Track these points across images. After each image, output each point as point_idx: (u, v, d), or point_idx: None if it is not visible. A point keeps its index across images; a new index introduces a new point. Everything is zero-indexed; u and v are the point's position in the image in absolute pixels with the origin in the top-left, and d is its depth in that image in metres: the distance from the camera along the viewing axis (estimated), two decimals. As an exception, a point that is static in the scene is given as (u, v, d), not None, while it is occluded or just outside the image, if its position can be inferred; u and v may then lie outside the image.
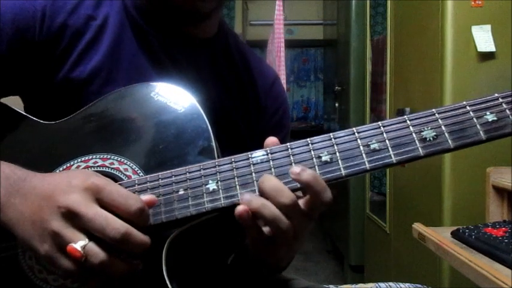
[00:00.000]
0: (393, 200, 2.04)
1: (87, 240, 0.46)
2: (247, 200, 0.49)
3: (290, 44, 4.54)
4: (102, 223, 0.46)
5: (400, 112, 1.85)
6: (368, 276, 2.47)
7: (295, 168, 0.49)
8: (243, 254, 0.72)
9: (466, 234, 0.91)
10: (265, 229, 0.53)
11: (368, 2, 2.54)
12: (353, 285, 0.84)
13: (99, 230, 0.46)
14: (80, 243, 0.46)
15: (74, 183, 0.48)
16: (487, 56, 1.48)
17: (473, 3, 1.48)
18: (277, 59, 2.83)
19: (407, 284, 0.80)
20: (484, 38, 1.46)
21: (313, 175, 0.49)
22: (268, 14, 3.20)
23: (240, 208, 0.49)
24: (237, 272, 0.73)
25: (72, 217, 0.47)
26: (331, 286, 0.81)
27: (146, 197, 0.51)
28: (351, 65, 2.70)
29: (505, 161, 1.28)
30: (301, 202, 0.51)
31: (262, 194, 0.50)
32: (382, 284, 0.82)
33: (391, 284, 0.82)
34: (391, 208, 2.06)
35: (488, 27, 1.46)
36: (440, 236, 0.95)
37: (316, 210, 0.51)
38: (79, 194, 0.47)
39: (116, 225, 0.46)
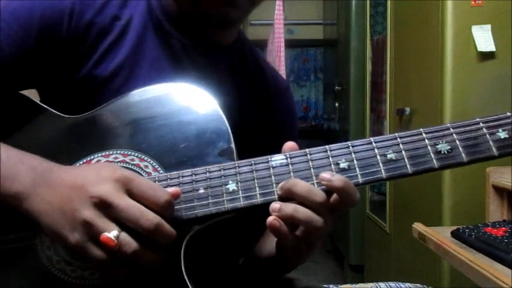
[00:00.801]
0: (393, 200, 2.04)
1: (119, 230, 0.47)
2: (278, 209, 0.50)
3: (290, 44, 4.53)
4: (136, 214, 0.47)
5: (400, 112, 1.85)
6: (368, 276, 2.47)
7: (326, 175, 0.51)
8: (252, 256, 0.73)
9: (466, 234, 0.91)
10: (298, 232, 0.54)
11: (368, 1, 2.54)
12: (353, 285, 0.84)
13: (133, 221, 0.47)
14: (113, 233, 0.47)
15: (103, 174, 0.49)
16: (487, 56, 1.48)
17: (473, 2, 1.48)
18: (277, 59, 2.83)
19: (407, 284, 0.80)
20: (484, 38, 1.46)
21: (344, 180, 0.51)
22: (268, 14, 3.20)
23: (270, 219, 0.50)
24: (246, 273, 0.74)
25: (104, 207, 0.47)
26: (331, 286, 0.81)
27: (171, 189, 0.52)
28: (351, 65, 2.70)
29: (504, 161, 1.27)
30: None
31: (293, 196, 0.51)
32: (382, 284, 0.82)
33: (391, 283, 0.82)
34: (391, 208, 2.06)
35: (488, 26, 1.46)
36: (440, 235, 0.95)
37: (345, 208, 0.53)
38: (110, 184, 0.48)
39: (150, 216, 0.48)
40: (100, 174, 0.49)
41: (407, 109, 1.80)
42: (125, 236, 0.47)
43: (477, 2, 1.47)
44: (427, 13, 1.62)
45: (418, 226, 1.04)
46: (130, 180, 0.49)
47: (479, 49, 1.47)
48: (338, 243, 3.09)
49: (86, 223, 0.47)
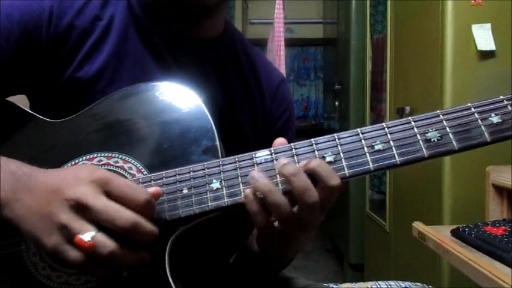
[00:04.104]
0: (393, 199, 2.04)
1: (96, 231, 0.47)
2: (255, 179, 0.50)
3: (290, 43, 4.54)
4: (112, 213, 0.47)
5: (400, 111, 1.85)
6: (368, 274, 2.47)
7: (303, 162, 0.51)
8: (245, 253, 0.72)
9: (466, 232, 0.91)
10: (274, 221, 0.54)
11: (368, 0, 2.54)
12: (353, 284, 0.84)
13: (109, 221, 0.47)
14: (88, 234, 0.46)
15: (80, 176, 0.49)
16: (487, 55, 1.48)
17: (473, 1, 1.47)
18: (277, 58, 2.83)
19: (407, 283, 0.81)
20: (484, 37, 1.46)
21: (317, 161, 0.50)
22: (268, 13, 3.20)
23: (247, 191, 0.50)
24: (239, 271, 0.73)
25: (80, 209, 0.47)
26: (331, 285, 0.81)
27: (152, 189, 0.51)
28: (351, 64, 2.70)
29: (504, 160, 1.27)
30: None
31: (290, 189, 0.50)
32: (382, 283, 0.83)
33: (391, 282, 0.82)
34: (391, 207, 2.06)
35: (488, 25, 1.46)
36: (440, 234, 0.95)
37: (327, 198, 0.51)
38: (87, 186, 0.48)
39: (126, 215, 0.47)
40: (77, 176, 0.49)
41: (408, 108, 1.80)
42: (101, 237, 0.47)
43: (477, 1, 1.47)
44: (427, 12, 1.62)
45: (418, 225, 1.04)
46: (108, 180, 0.49)
47: (479, 48, 1.47)
48: (338, 242, 3.09)
49: (62, 226, 0.47)
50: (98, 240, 0.46)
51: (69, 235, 0.47)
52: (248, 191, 0.51)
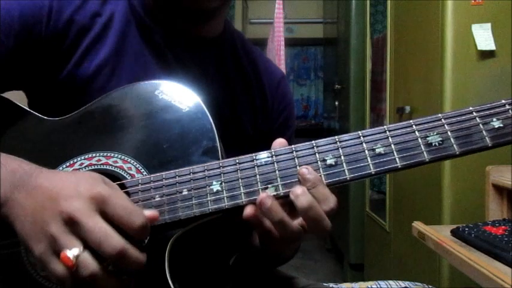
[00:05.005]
0: (393, 199, 2.04)
1: (81, 249, 0.46)
2: (267, 206, 0.51)
3: (290, 43, 4.54)
4: (100, 237, 0.46)
5: (400, 111, 1.84)
6: (368, 274, 2.47)
7: (303, 169, 0.51)
8: (245, 254, 0.72)
9: (466, 232, 0.91)
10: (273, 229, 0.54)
11: (368, 0, 2.54)
12: (353, 284, 0.84)
13: (96, 243, 0.46)
14: (73, 251, 0.45)
15: (80, 189, 0.48)
16: (487, 55, 1.47)
17: (473, 1, 1.47)
18: (277, 58, 2.83)
19: (407, 282, 0.81)
20: (484, 37, 1.46)
21: (318, 179, 0.51)
22: (268, 13, 3.20)
23: (248, 210, 0.51)
24: (239, 272, 0.73)
25: (72, 224, 0.46)
26: (331, 284, 0.81)
27: (149, 212, 0.50)
28: (351, 64, 2.70)
29: (504, 160, 1.27)
30: None
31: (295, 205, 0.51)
32: (382, 283, 0.83)
33: (391, 282, 0.82)
34: (391, 206, 2.06)
35: (488, 25, 1.46)
36: (440, 234, 0.95)
37: (324, 212, 0.52)
38: (83, 202, 0.47)
39: (113, 241, 0.46)
40: (77, 188, 0.48)
41: (407, 108, 1.80)
42: (85, 257, 0.46)
43: (477, 0, 1.47)
44: (427, 12, 1.62)
45: (417, 225, 1.04)
46: (106, 199, 0.47)
47: (479, 48, 1.47)
48: (338, 241, 3.09)
49: (51, 237, 0.46)
50: (81, 260, 0.45)
51: (56, 248, 0.46)
52: (249, 209, 0.51)
